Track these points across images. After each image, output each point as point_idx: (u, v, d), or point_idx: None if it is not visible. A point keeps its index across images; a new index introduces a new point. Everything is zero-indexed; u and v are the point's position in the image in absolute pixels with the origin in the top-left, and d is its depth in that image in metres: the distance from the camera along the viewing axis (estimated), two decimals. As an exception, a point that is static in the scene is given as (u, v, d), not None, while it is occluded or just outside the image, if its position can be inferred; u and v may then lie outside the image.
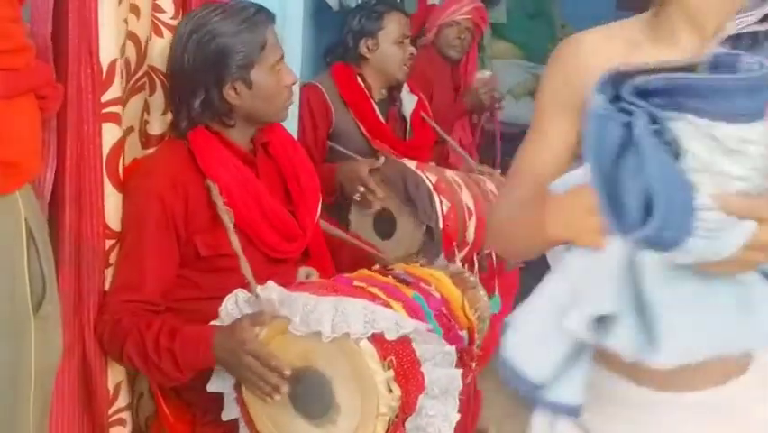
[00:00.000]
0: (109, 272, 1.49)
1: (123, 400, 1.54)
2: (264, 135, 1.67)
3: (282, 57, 1.61)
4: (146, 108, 1.64)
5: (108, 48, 1.40)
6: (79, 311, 1.44)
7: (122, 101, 1.49)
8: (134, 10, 1.55)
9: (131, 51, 1.55)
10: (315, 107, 2.34)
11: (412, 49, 2.47)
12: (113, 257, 1.50)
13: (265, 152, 1.68)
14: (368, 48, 2.42)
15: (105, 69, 1.40)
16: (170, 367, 1.39)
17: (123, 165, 1.52)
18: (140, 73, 1.59)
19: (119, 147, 1.48)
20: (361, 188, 2.15)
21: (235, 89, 1.55)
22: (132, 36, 1.55)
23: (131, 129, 1.60)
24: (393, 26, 2.42)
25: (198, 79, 1.53)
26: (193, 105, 1.54)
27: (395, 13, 2.44)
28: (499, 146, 3.15)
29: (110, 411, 1.51)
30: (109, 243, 1.48)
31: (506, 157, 3.62)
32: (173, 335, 1.40)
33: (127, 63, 1.54)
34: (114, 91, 1.44)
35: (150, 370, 1.44)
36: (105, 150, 1.44)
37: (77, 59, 1.36)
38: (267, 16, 1.58)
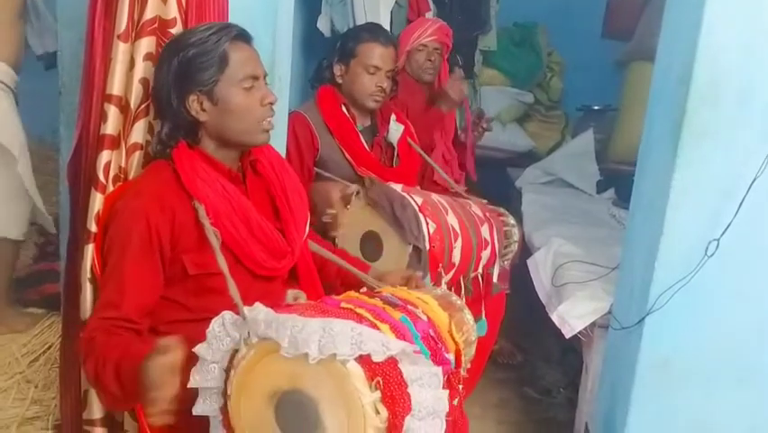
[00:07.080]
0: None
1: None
2: (252, 154, 1.68)
3: (258, 76, 1.59)
4: (150, 130, 1.68)
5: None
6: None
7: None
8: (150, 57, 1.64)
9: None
10: (300, 136, 2.35)
11: (383, 83, 2.41)
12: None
13: (254, 170, 1.69)
14: (339, 73, 2.43)
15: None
16: (112, 383, 1.34)
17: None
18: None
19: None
20: (332, 211, 2.15)
21: (201, 104, 1.55)
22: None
23: (136, 146, 1.66)
24: (365, 55, 2.40)
25: (165, 92, 1.55)
26: (165, 120, 1.56)
27: (371, 43, 2.41)
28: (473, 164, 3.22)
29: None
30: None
31: (498, 179, 3.66)
32: (124, 349, 1.36)
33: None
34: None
35: (97, 386, 1.40)
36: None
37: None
38: (234, 31, 1.57)
